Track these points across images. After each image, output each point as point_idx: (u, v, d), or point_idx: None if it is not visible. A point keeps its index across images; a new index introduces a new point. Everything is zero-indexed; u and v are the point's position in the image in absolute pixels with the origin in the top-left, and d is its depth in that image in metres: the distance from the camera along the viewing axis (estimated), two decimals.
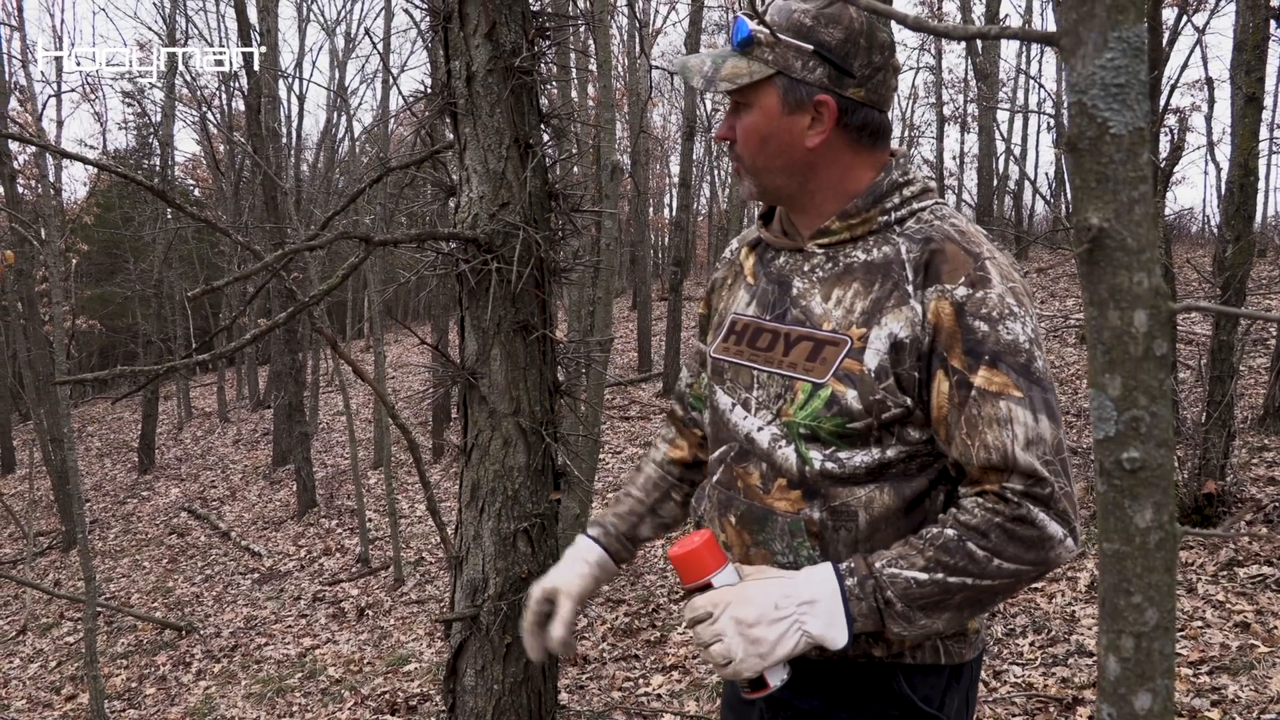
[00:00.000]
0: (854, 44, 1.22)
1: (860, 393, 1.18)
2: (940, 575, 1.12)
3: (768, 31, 1.23)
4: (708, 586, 1.22)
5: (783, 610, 1.15)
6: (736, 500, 1.31)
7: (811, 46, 1.22)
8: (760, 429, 1.28)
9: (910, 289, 1.19)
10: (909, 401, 1.18)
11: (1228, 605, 3.69)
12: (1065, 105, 0.57)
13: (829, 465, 1.22)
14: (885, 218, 1.25)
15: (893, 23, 0.64)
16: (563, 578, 1.42)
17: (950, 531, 1.13)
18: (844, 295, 1.23)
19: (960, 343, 1.14)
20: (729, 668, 1.16)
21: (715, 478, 1.36)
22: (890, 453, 1.20)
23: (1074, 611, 3.91)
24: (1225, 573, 3.98)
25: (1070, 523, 1.14)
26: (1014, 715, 3.18)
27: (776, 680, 1.18)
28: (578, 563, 1.44)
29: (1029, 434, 1.12)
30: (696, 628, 1.20)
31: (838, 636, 1.14)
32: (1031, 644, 3.70)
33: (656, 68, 7.88)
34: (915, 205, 1.26)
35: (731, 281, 1.44)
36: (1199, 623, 3.59)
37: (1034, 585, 4.23)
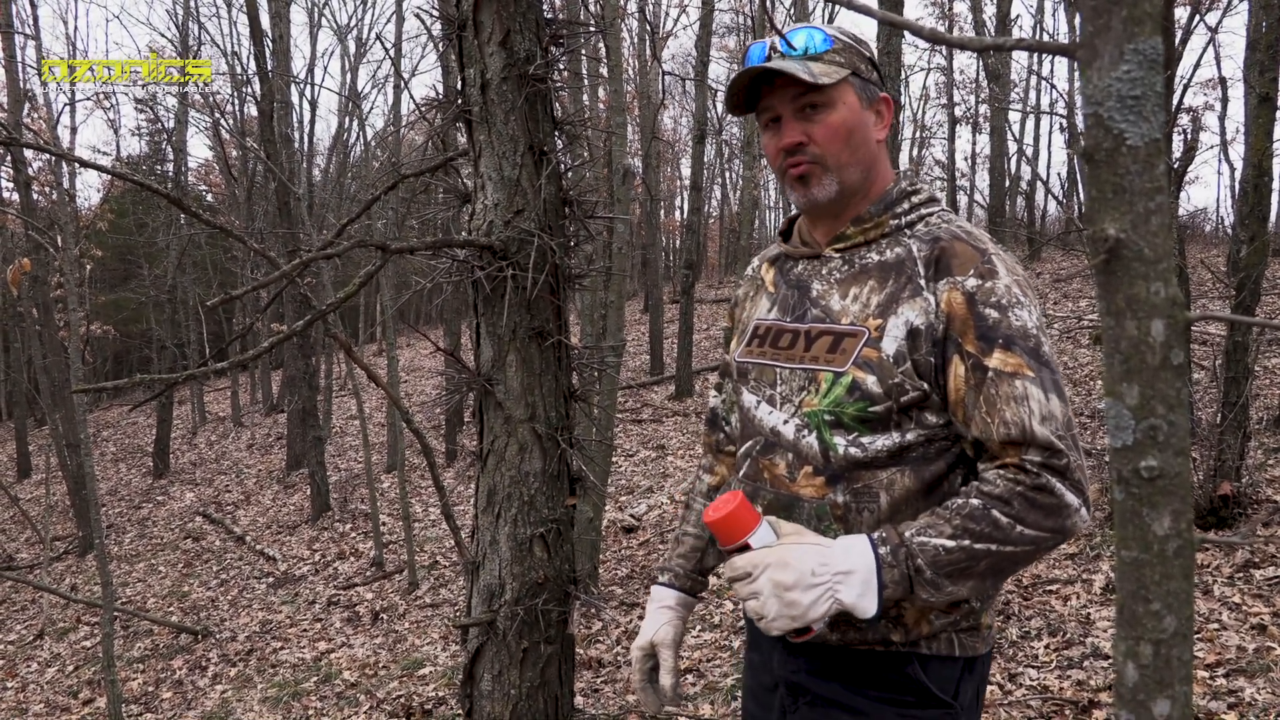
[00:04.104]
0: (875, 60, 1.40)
1: (880, 377, 1.26)
2: (967, 542, 1.17)
3: (845, 38, 1.35)
4: (746, 548, 1.26)
5: (819, 577, 1.20)
6: (763, 490, 1.37)
7: (868, 54, 1.37)
8: (785, 422, 1.35)
9: (923, 282, 1.27)
10: (925, 386, 1.25)
11: (1244, 607, 3.67)
12: (1078, 106, 0.58)
13: (853, 450, 1.28)
14: (896, 221, 1.34)
15: (906, 31, 0.65)
16: (655, 631, 1.51)
17: (975, 501, 1.19)
18: (860, 292, 1.32)
19: (973, 329, 1.22)
20: (761, 623, 1.22)
21: (741, 472, 1.43)
22: (910, 436, 1.27)
23: (1089, 614, 3.89)
24: (1241, 575, 3.96)
25: (1084, 493, 1.20)
26: (1029, 718, 3.17)
27: (819, 625, 1.22)
28: (661, 612, 1.54)
29: (1043, 410, 1.19)
30: (735, 585, 1.25)
31: (869, 606, 1.19)
32: (1047, 646, 3.69)
33: (669, 73, 7.88)
34: (923, 211, 1.35)
35: (753, 294, 1.53)
36: (1215, 625, 3.57)
37: (1053, 576, 4.21)
